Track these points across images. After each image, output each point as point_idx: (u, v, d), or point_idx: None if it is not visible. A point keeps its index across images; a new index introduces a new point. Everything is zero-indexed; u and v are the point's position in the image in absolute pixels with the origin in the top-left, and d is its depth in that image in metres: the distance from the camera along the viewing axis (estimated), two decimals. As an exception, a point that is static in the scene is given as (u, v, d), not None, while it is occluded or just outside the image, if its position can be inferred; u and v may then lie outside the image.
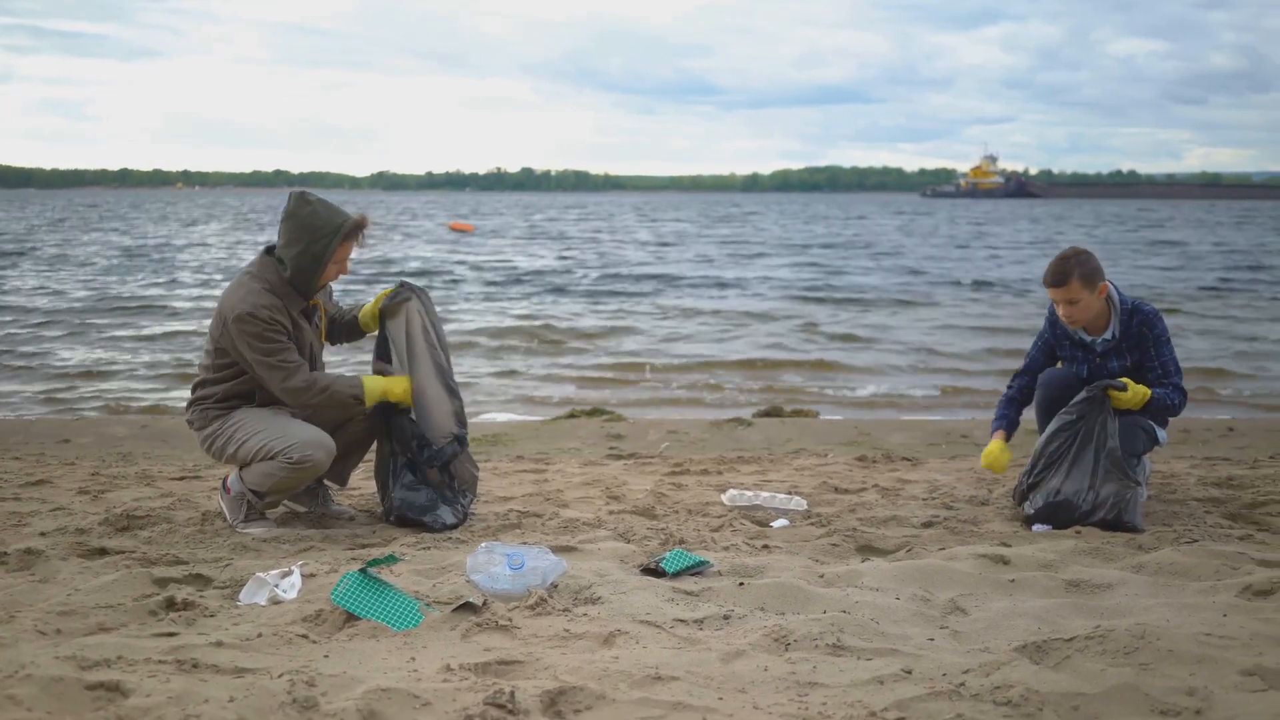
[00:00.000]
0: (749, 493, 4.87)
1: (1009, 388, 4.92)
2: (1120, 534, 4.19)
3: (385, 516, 4.43)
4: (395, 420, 4.35)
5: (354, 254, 4.31)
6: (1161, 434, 4.71)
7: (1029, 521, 4.40)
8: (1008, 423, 4.83)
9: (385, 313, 4.46)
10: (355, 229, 4.20)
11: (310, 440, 4.14)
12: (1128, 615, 3.12)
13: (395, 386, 4.30)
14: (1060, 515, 4.34)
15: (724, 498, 4.87)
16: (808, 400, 10.07)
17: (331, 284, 4.49)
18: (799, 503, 4.77)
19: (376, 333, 4.52)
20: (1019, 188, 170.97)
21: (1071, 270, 4.45)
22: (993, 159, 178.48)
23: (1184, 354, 9.69)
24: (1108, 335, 4.61)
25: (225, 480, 4.36)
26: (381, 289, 4.55)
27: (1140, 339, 4.58)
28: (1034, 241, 40.40)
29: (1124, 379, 4.46)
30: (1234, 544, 4.00)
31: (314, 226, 4.12)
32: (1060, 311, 4.59)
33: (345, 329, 4.59)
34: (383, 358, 4.45)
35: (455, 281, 23.24)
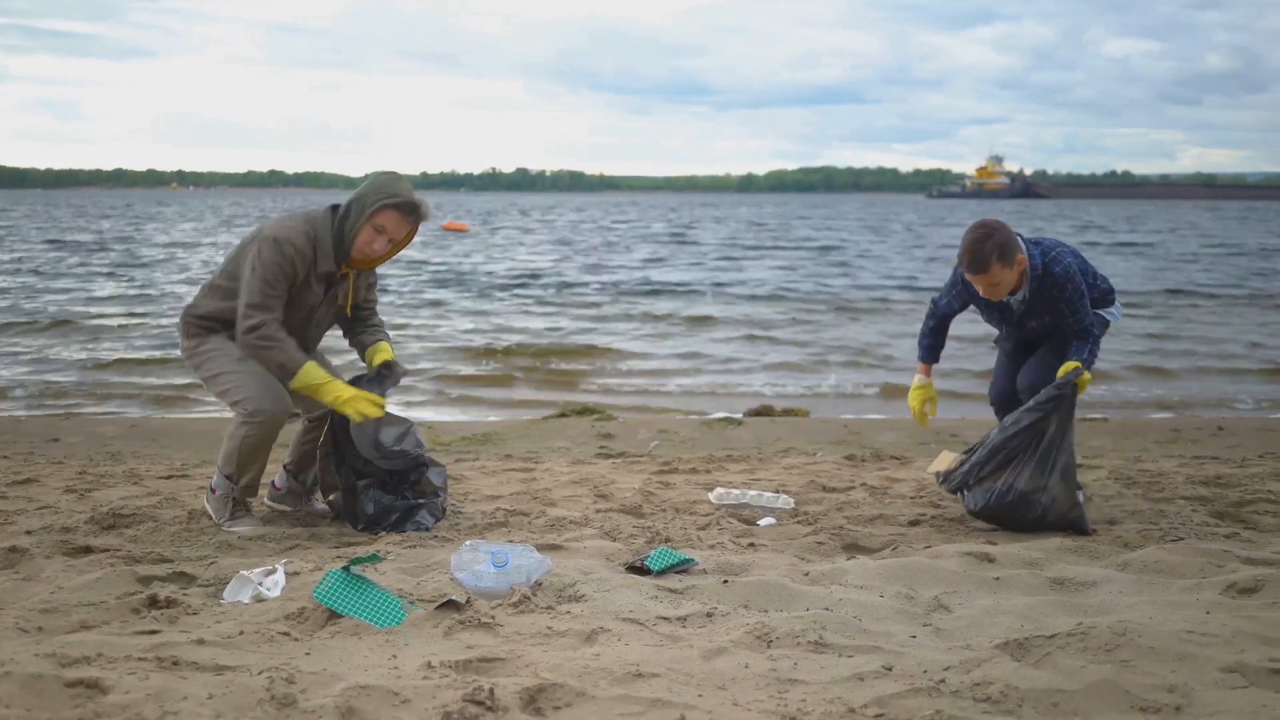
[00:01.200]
0: (735, 491, 4.87)
1: (930, 320, 4.82)
2: (1106, 533, 4.20)
3: (362, 529, 4.25)
4: (349, 451, 4.23)
5: (393, 246, 4.21)
6: (1113, 311, 4.67)
7: (975, 515, 4.38)
8: (933, 351, 4.82)
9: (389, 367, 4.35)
10: (406, 204, 4.12)
11: (263, 393, 4.08)
12: (1110, 613, 3.12)
13: (334, 388, 4.11)
14: (1015, 514, 4.23)
15: (711, 496, 4.87)
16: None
17: (377, 281, 4.48)
18: (786, 501, 4.77)
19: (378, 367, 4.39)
20: (1025, 188, 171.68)
21: (990, 255, 4.28)
22: (998, 159, 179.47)
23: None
24: (1020, 296, 4.47)
25: (210, 481, 4.34)
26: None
27: (1053, 302, 4.45)
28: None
29: (1074, 363, 4.33)
30: (1220, 542, 4.01)
31: (381, 186, 4.13)
32: (981, 291, 4.45)
33: (353, 342, 4.49)
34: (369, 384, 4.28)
35: (428, 284, 22.80)
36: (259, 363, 4.11)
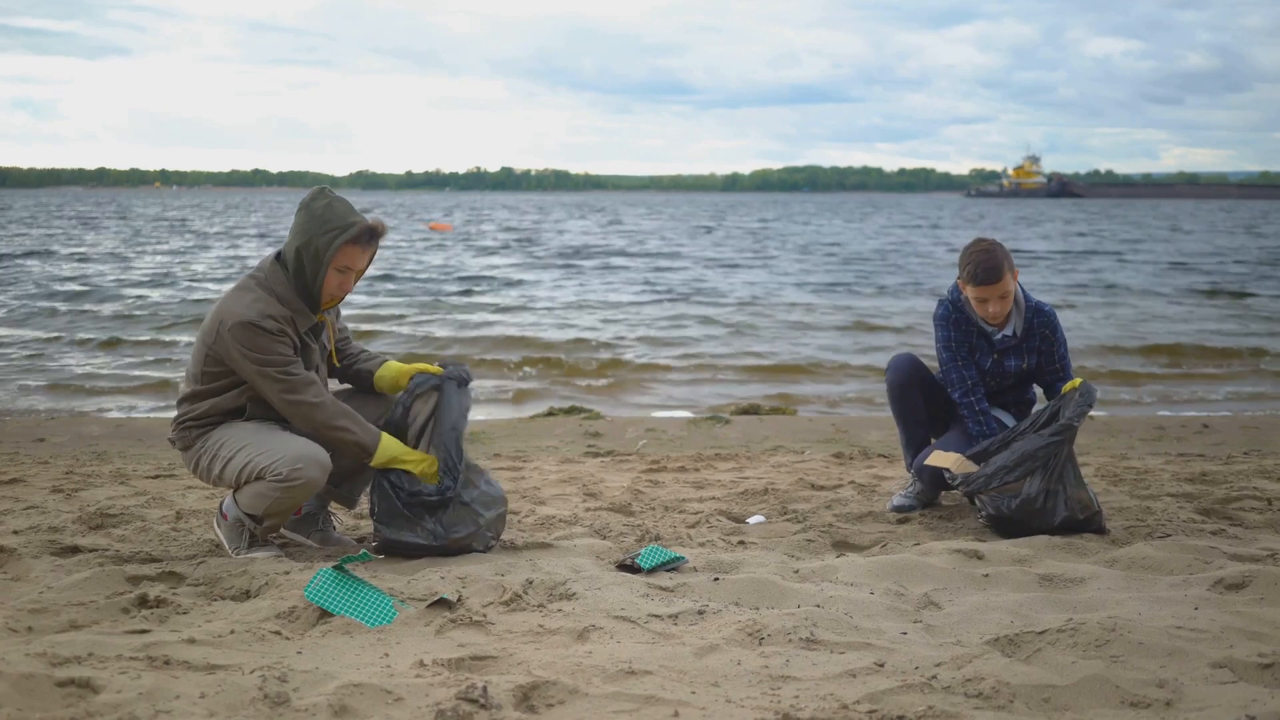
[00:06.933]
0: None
1: (968, 394, 4.46)
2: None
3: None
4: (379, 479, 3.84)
5: (364, 270, 3.85)
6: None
7: (990, 523, 4.20)
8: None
9: (414, 390, 3.95)
10: (365, 233, 3.72)
11: (300, 454, 3.66)
12: (1100, 609, 3.14)
13: (416, 460, 3.82)
14: (1032, 522, 4.08)
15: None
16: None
17: (340, 309, 4.06)
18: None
19: (399, 397, 3.96)
20: (1061, 188, 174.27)
21: (1003, 263, 4.23)
22: (1035, 159, 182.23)
23: None
24: (1008, 332, 4.43)
25: (221, 505, 3.88)
26: (423, 364, 4.06)
27: (1044, 341, 4.45)
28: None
29: (1077, 380, 4.26)
30: (1206, 539, 4.03)
31: (324, 219, 3.70)
32: (989, 309, 4.32)
33: (353, 376, 4.08)
34: (398, 429, 3.91)
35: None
36: (330, 447, 3.76)
